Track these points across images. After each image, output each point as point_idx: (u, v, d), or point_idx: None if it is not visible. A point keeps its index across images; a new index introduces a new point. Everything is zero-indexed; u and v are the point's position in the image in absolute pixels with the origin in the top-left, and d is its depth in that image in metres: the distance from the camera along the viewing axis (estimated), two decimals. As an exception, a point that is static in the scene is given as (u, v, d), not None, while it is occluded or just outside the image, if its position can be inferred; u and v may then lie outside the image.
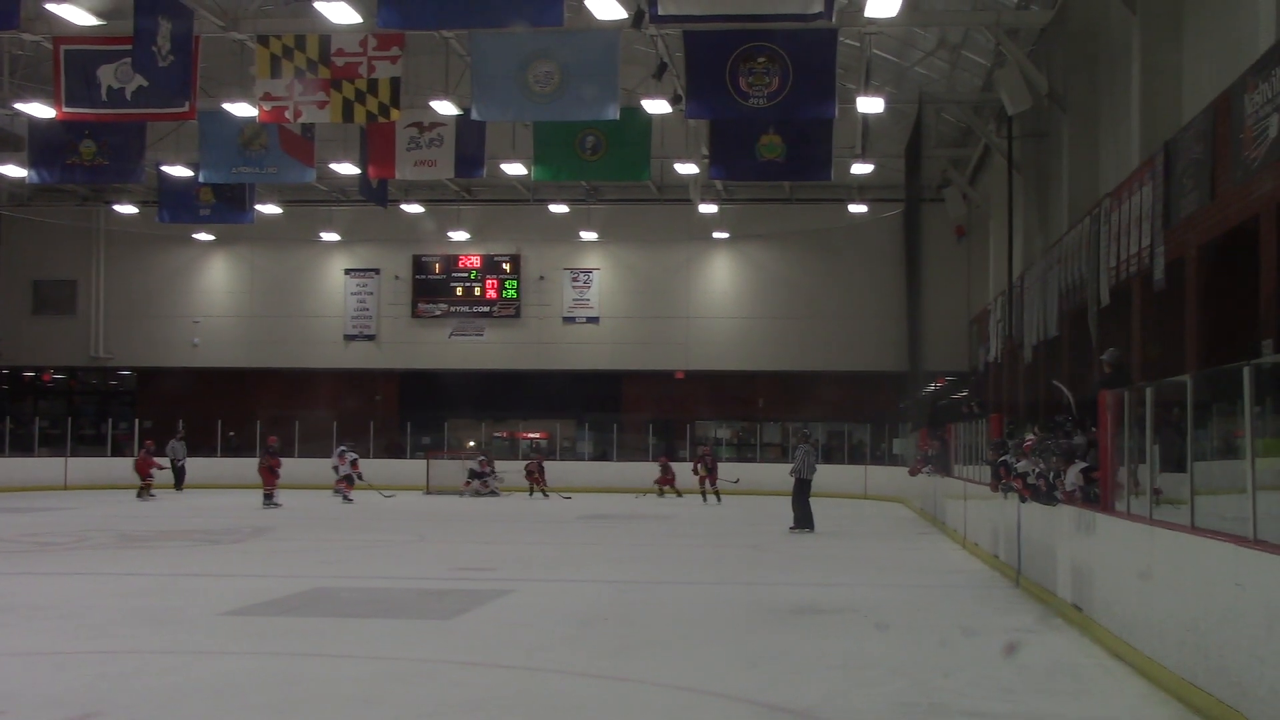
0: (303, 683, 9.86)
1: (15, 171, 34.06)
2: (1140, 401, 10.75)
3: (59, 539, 22.14)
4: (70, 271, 44.95)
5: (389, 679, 10.00)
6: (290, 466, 36.27)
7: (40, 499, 33.53)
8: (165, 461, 36.06)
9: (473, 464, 37.47)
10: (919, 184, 33.95)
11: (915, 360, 34.20)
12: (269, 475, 31.42)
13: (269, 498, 30.97)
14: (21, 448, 40.08)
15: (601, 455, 42.05)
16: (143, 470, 34.42)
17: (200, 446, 40.10)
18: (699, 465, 35.20)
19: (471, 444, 41.65)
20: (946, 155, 36.69)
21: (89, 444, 42.16)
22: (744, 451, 42.48)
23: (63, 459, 39.62)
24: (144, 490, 34.13)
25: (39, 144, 27.73)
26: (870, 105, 27.27)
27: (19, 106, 27.21)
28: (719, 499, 34.22)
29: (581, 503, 33.70)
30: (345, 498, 33.91)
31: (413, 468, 38.70)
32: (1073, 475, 13.31)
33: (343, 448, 35.42)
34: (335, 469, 35.11)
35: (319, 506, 31.61)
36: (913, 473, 30.64)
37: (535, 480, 37.08)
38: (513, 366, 43.31)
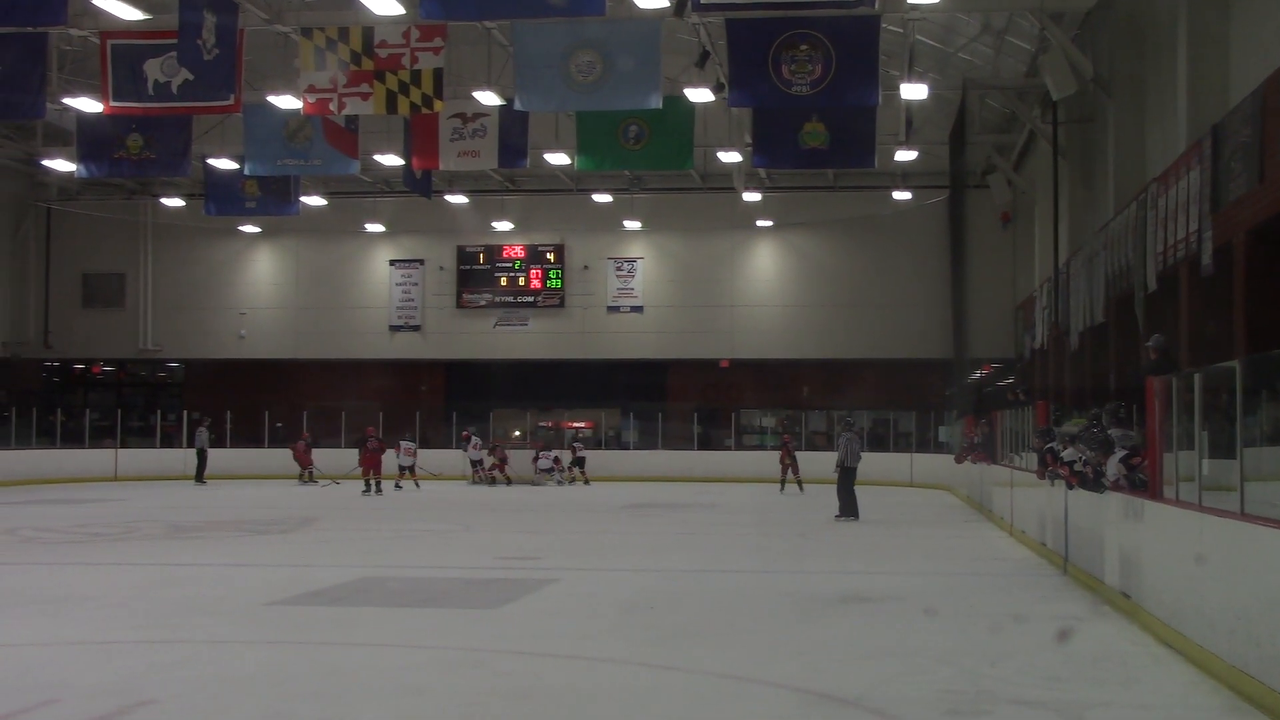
0: (349, 672, 9.90)
1: (65, 166, 34.38)
2: (1189, 388, 10.65)
3: (109, 529, 22.31)
4: (119, 264, 45.28)
5: (435, 668, 10.02)
6: (338, 456, 36.66)
7: (91, 490, 33.85)
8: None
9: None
10: (963, 170, 33.76)
11: (961, 347, 34.04)
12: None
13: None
14: (72, 439, 40.43)
15: (647, 444, 41.97)
16: (304, 460, 36.10)
17: (247, 437, 40.53)
18: (785, 454, 33.86)
19: (517, 433, 41.73)
20: (991, 141, 36.43)
21: (138, 435, 42.49)
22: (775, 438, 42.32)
23: (113, 450, 39.96)
24: (307, 477, 36.15)
25: (87, 138, 27.93)
26: (914, 92, 27.15)
27: (68, 101, 27.40)
28: (800, 488, 32.91)
29: (626, 491, 33.69)
30: (489, 480, 36.98)
31: (458, 457, 38.75)
32: (1113, 466, 13.21)
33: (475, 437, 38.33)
34: (479, 462, 37.73)
35: (367, 496, 31.79)
36: (959, 460, 30.50)
37: (499, 468, 37.62)
38: (557, 356, 43.35)
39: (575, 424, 43.91)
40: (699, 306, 43.00)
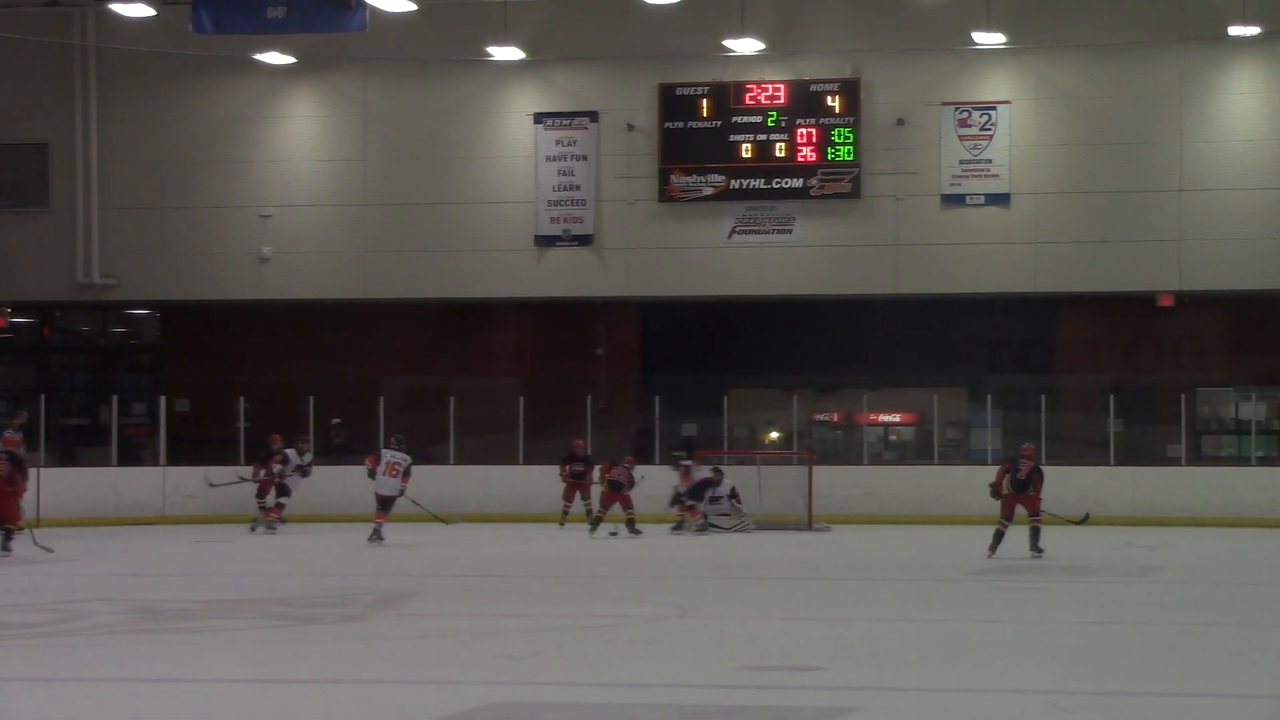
0: None
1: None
2: None
3: (27, 617, 22.82)
4: (37, 129, 46.27)
5: None
6: (446, 477, 37.09)
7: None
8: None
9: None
10: None
11: None
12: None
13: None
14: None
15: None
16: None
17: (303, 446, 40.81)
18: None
19: (775, 435, 41.86)
20: None
21: (81, 440, 43.29)
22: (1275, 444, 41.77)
23: (33, 470, 40.63)
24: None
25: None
26: None
27: None
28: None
29: (978, 539, 33.38)
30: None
31: (664, 479, 38.91)
32: None
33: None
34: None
35: (488, 547, 32.15)
36: None
37: (576, 495, 38.01)
38: (847, 291, 43.25)
39: (885, 417, 43.81)
40: (1117, 193, 42.53)
